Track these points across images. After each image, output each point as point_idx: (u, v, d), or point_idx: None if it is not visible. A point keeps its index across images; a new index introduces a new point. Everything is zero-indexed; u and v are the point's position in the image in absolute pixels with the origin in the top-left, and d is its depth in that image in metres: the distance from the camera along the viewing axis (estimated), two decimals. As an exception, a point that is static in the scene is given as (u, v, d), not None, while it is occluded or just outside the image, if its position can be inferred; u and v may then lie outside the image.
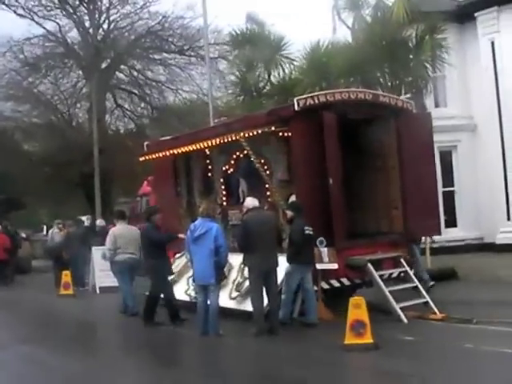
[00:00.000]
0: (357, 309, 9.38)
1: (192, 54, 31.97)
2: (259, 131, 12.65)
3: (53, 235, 21.81)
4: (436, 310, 12.00)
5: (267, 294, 10.93)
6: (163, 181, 15.97)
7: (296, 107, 12.23)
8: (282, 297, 11.56)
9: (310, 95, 12.77)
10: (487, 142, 20.74)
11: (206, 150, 15.04)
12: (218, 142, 13.66)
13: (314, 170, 12.29)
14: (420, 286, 12.49)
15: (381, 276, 12.28)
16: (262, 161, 13.66)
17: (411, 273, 12.73)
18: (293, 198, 12.85)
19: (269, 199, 13.62)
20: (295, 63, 19.71)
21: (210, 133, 14.42)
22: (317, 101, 12.43)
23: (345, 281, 12.55)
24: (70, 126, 31.63)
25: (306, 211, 12.10)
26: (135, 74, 31.80)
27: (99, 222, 18.65)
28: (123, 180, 29.82)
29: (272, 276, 10.94)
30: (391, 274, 12.69)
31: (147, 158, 16.26)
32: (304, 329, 11.30)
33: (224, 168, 14.84)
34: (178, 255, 15.19)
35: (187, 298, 13.59)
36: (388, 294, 11.85)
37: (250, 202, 11.36)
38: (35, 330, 13.33)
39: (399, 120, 13.35)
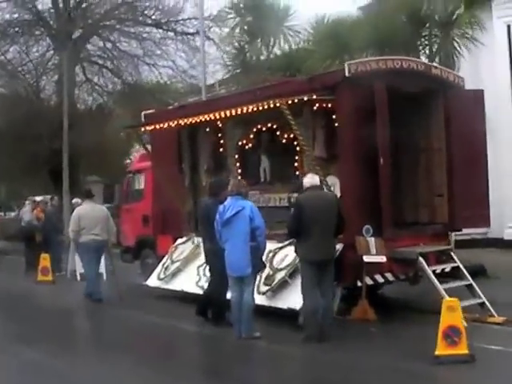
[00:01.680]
0: (451, 312, 7.51)
1: (169, 28, 29.59)
2: (294, 100, 10.63)
3: (23, 214, 19.44)
4: (494, 312, 10.27)
5: (320, 290, 8.93)
6: (164, 156, 13.78)
7: (347, 73, 10.24)
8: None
9: (359, 60, 10.82)
10: (498, 130, 19.05)
11: (219, 123, 12.95)
12: (236, 113, 11.53)
13: (361, 147, 10.38)
14: (475, 285, 10.68)
15: (433, 272, 10.46)
16: (292, 135, 11.68)
17: (464, 269, 10.90)
18: (331, 180, 10.91)
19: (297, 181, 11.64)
20: (301, 36, 17.70)
21: (228, 102, 12.31)
22: (368, 67, 10.51)
23: (389, 276, 10.72)
24: (38, 98, 28.96)
25: (349, 194, 10.27)
26: (108, 46, 29.23)
27: (75, 201, 16.36)
28: (93, 157, 27.31)
29: (328, 269, 8.96)
30: (444, 269, 10.86)
31: (145, 129, 14.05)
32: (356, 333, 9.36)
33: (240, 143, 12.77)
34: (180, 240, 13.09)
35: (199, 291, 11.53)
36: (444, 292, 10.01)
37: (309, 179, 9.28)
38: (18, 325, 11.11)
39: (449, 96, 11.48)
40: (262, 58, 18.10)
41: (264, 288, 10.49)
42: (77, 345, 9.88)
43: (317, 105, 11.14)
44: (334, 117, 10.97)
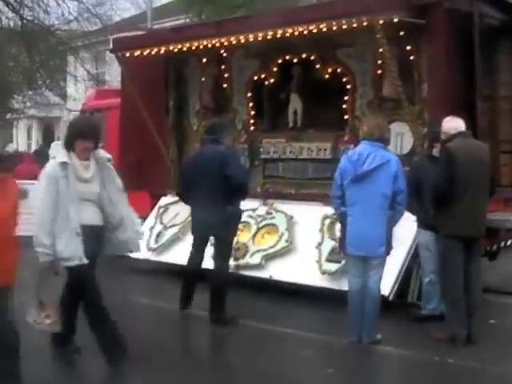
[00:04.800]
0: None
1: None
2: (361, 21, 7.75)
3: None
4: None
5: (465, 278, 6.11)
6: (143, 92, 10.35)
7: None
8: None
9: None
10: None
11: (222, 51, 9.81)
12: (274, 35, 8.48)
13: (454, 88, 7.68)
14: None
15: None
16: (340, 69, 8.81)
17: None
18: (398, 127, 8.19)
19: (346, 126, 8.81)
20: None
21: (252, 23, 9.10)
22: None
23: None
24: None
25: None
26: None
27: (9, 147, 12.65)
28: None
29: (477, 248, 6.19)
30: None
31: (118, 57, 10.57)
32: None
33: (256, 77, 9.70)
34: (169, 199, 9.88)
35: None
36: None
37: (453, 123, 6.27)
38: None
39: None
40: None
41: (330, 266, 7.63)
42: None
43: (381, 32, 8.29)
44: (407, 48, 8.21)
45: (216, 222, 6.70)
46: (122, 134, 10.95)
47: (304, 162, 9.17)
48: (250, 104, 9.78)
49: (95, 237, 5.33)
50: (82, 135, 5.36)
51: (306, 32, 8.19)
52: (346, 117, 8.82)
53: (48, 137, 37.45)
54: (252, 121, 9.77)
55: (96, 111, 11.93)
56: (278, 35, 8.49)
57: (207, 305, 6.82)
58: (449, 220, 5.99)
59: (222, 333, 6.70)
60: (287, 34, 8.41)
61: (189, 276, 7.16)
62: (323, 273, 7.59)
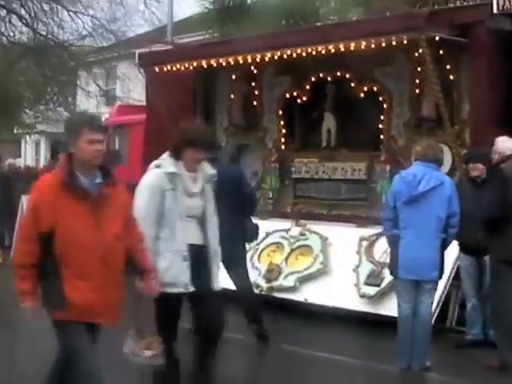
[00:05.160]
0: None
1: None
2: (402, 39, 7.60)
3: None
4: None
5: None
6: (171, 107, 10.15)
7: (495, 9, 7.27)
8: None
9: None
10: None
11: (252, 68, 9.64)
12: (310, 53, 8.33)
13: (499, 111, 7.47)
14: None
15: None
16: (376, 88, 8.63)
17: None
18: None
19: (381, 146, 8.63)
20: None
21: (285, 39, 8.92)
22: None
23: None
24: None
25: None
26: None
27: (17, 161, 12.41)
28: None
29: None
30: None
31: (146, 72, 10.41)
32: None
33: (287, 95, 9.52)
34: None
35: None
36: None
37: (509, 143, 6.04)
38: None
39: None
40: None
41: (365, 289, 7.41)
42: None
43: (419, 50, 8.12)
44: (447, 67, 8.04)
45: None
46: (146, 150, 10.75)
47: (337, 182, 8.97)
48: (281, 122, 9.59)
49: (201, 258, 4.67)
50: (194, 144, 4.64)
51: (342, 49, 8.06)
52: (381, 137, 8.63)
53: (56, 153, 37.24)
54: (283, 139, 9.58)
55: (119, 127, 11.73)
56: (314, 52, 8.35)
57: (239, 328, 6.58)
58: (500, 245, 5.75)
59: (260, 358, 6.47)
60: (323, 51, 8.28)
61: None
62: (362, 296, 7.37)
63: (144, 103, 12.15)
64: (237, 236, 6.34)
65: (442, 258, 5.77)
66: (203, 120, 10.43)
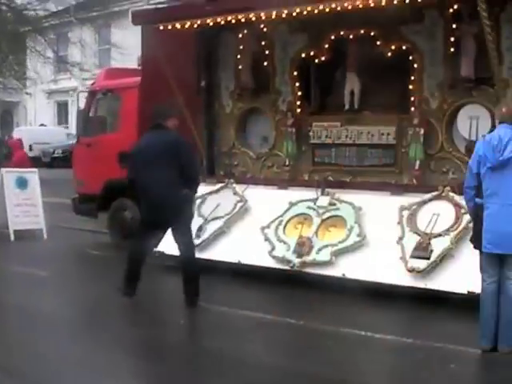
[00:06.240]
0: None
1: None
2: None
3: None
4: None
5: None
6: (171, 70, 9.29)
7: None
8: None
9: None
10: None
11: (262, 26, 8.89)
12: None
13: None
14: None
15: None
16: (405, 47, 8.00)
17: None
18: (474, 110, 7.46)
19: (412, 109, 8.02)
20: None
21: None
22: None
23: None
24: None
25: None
26: None
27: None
28: None
29: None
30: None
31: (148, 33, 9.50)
32: None
33: (304, 54, 8.80)
34: (205, 187, 8.94)
35: (276, 264, 7.67)
36: None
37: None
38: None
39: None
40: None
41: (417, 263, 6.83)
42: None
43: (455, 6, 7.53)
44: (487, 22, 7.43)
45: (169, 208, 6.64)
46: (142, 117, 9.89)
47: (362, 147, 8.33)
48: (296, 84, 8.87)
49: None
50: None
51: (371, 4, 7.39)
52: (411, 98, 8.01)
53: (5, 123, 35.71)
54: (298, 102, 8.87)
55: (109, 92, 10.80)
56: (339, 8, 7.65)
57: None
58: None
59: (315, 342, 5.86)
60: (349, 7, 7.59)
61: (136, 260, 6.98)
62: (410, 270, 6.78)
63: (135, 66, 11.30)
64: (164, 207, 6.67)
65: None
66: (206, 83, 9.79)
